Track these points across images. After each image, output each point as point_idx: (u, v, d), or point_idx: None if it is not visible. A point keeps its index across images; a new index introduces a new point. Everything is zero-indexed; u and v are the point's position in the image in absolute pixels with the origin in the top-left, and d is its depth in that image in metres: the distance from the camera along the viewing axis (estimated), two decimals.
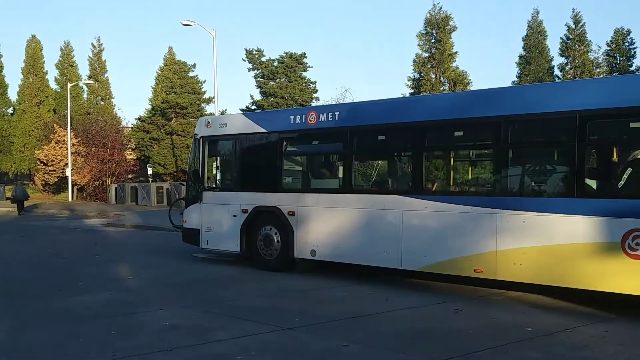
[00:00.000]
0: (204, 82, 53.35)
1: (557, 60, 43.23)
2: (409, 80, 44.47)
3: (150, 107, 56.33)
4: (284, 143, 12.02)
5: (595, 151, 8.78)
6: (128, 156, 50.97)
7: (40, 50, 59.02)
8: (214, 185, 13.30)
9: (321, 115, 11.34)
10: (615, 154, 8.70)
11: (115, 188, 40.97)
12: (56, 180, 48.22)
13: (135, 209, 33.19)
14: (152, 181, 45.53)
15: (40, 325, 7.71)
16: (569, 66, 42.52)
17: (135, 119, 54.62)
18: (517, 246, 8.71)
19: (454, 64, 42.55)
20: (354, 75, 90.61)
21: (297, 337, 7.17)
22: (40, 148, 48.09)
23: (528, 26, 43.68)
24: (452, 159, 10.60)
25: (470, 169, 10.89)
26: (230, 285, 10.64)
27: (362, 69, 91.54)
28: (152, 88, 59.97)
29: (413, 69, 43.98)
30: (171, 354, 6.40)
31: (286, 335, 7.24)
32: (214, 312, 8.37)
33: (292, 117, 11.98)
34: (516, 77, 43.91)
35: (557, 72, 43.09)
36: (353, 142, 10.99)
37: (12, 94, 60.26)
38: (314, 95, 47.45)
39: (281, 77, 47.26)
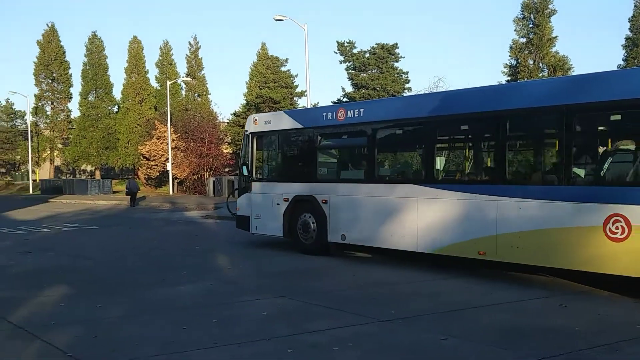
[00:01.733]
0: (296, 76, 54.08)
1: None
2: (505, 67, 43.14)
3: (244, 102, 57.74)
4: (318, 137, 13.21)
5: (579, 142, 9.47)
6: (224, 150, 52.46)
7: (142, 50, 61.80)
8: (260, 177, 14.53)
9: (348, 112, 12.45)
10: (597, 144, 9.49)
11: (213, 181, 42.27)
12: (158, 174, 50.28)
13: (231, 201, 34.08)
14: None
15: (146, 313, 8.06)
16: None
17: (231, 114, 56.11)
18: (514, 230, 9.52)
19: (553, 49, 40.85)
20: (447, 64, 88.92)
21: (394, 329, 7.10)
22: (143, 144, 50.32)
23: (635, 6, 41.15)
24: (457, 152, 11.83)
25: (473, 160, 11.50)
26: (325, 277, 10.71)
27: (456, 58, 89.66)
28: (247, 83, 61.51)
29: (510, 56, 42.61)
30: (269, 343, 6.51)
31: (383, 327, 7.19)
32: (309, 303, 8.45)
33: (324, 114, 13.04)
34: (622, 60, 41.52)
35: None
36: (375, 136, 11.96)
37: (117, 93, 63.61)
38: (406, 85, 46.90)
39: (373, 68, 47.04)
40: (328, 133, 13.19)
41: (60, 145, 66.45)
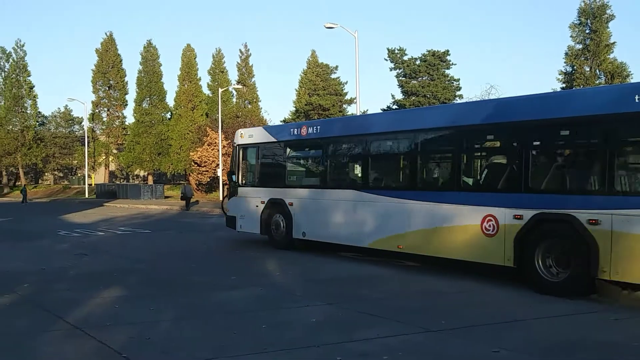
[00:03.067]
0: (346, 83, 54.26)
1: None
2: (560, 74, 42.23)
3: (294, 109, 58.16)
4: (287, 149, 15.48)
5: (466, 157, 11.73)
6: None
7: (194, 58, 63.12)
8: (244, 183, 16.70)
9: (309, 128, 14.84)
10: (478, 159, 11.85)
11: None
12: (208, 179, 51.08)
13: None
14: None
15: (198, 317, 8.18)
16: None
17: (280, 121, 56.58)
18: (420, 228, 11.62)
19: (611, 56, 39.70)
20: (500, 71, 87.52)
21: (444, 339, 7.00)
22: (195, 150, 51.22)
23: None
24: (381, 163, 13.77)
25: (392, 170, 13.55)
26: (373, 285, 10.66)
27: (509, 64, 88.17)
28: (296, 90, 62.01)
29: (565, 62, 41.69)
30: (319, 350, 6.51)
31: (433, 337, 7.10)
32: (358, 311, 8.41)
33: (292, 129, 15.54)
34: None
35: None
36: (326, 149, 14.30)
37: (170, 100, 65.00)
38: (457, 92, 46.39)
39: (423, 75, 46.74)
40: (294, 146, 15.48)
41: (115, 151, 68.38)
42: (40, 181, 74.70)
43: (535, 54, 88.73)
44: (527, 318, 8.04)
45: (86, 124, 65.38)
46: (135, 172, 73.05)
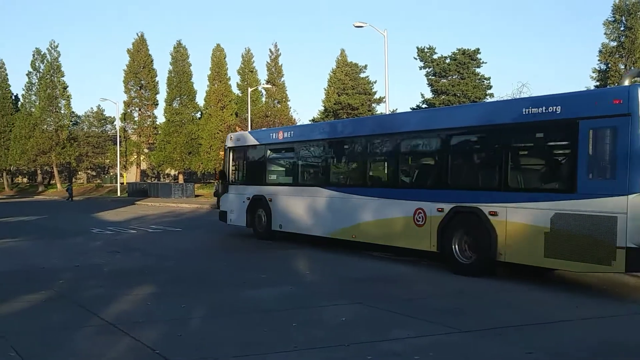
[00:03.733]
0: (375, 82, 54.06)
1: None
2: (593, 72, 41.46)
3: (323, 108, 58.17)
4: (268, 151, 17.63)
5: (403, 159, 13.61)
6: None
7: (224, 58, 63.50)
8: (234, 181, 18.74)
9: (285, 133, 17.13)
10: (412, 161, 13.66)
11: None
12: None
13: None
14: None
15: (228, 314, 8.25)
16: None
17: (310, 120, 56.66)
18: (367, 220, 13.52)
19: None
20: (531, 69, 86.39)
21: (477, 340, 6.93)
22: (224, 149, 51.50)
23: None
24: (339, 162, 15.70)
25: (346, 169, 15.58)
26: (403, 284, 10.61)
27: (540, 62, 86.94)
28: (325, 90, 61.94)
29: (599, 60, 40.98)
30: (349, 349, 6.50)
31: (465, 338, 7.03)
32: (388, 310, 8.38)
33: (271, 134, 18.09)
34: None
35: None
36: (296, 151, 16.38)
37: (200, 100, 65.58)
38: (488, 91, 45.90)
39: (453, 74, 46.33)
40: (273, 148, 17.53)
41: (146, 150, 69.25)
42: (73, 180, 75.96)
43: (568, 52, 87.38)
44: (564, 319, 7.92)
45: (118, 123, 66.38)
46: (166, 171, 73.89)
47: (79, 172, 78.51)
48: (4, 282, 10.53)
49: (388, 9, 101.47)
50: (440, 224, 11.63)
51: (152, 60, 67.36)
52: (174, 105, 64.44)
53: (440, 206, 11.68)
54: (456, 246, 11.38)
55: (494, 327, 7.43)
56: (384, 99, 40.00)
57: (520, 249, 10.20)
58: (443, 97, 45.85)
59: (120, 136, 64.05)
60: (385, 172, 14.13)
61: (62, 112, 69.50)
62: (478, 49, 46.05)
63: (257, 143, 17.98)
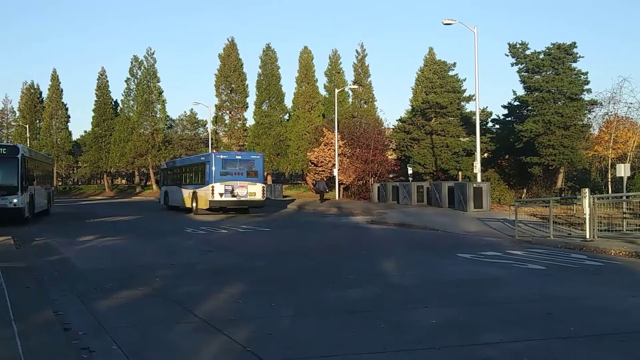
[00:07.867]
0: (464, 80, 52.88)
1: None
2: None
3: (410, 107, 57.58)
4: (168, 171, 41.27)
5: (191, 172, 35.89)
6: (389, 156, 52.67)
7: (312, 60, 64.24)
8: (164, 184, 41.37)
9: (167, 164, 43.76)
10: (180, 177, 38.96)
11: (378, 187, 42.66)
12: (325, 179, 51.87)
13: (396, 207, 34.20)
14: (412, 180, 46.47)
15: (317, 314, 8.31)
16: None
17: (396, 120, 56.40)
18: (184, 197, 35.67)
19: None
20: (634, 62, 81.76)
21: (574, 347, 6.62)
22: (311, 150, 52.15)
23: None
24: (179, 175, 38.15)
25: (186, 178, 36.29)
26: (496, 288, 10.30)
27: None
28: (412, 89, 61.39)
29: None
30: (440, 352, 6.39)
31: (561, 344, 6.74)
32: (479, 314, 8.18)
33: (166, 164, 43.91)
34: None
35: None
36: (171, 171, 40.62)
37: (288, 102, 66.60)
38: (585, 87, 43.80)
39: (548, 69, 44.49)
40: (169, 169, 41.44)
41: None
42: None
43: None
44: None
45: (210, 126, 68.58)
46: None
47: None
48: (107, 278, 11.11)
49: (478, 5, 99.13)
50: (191, 196, 33.54)
51: (242, 64, 69.14)
52: (263, 107, 65.82)
53: (192, 190, 33.19)
54: (194, 204, 33.19)
55: (593, 334, 7.07)
56: (473, 97, 39.09)
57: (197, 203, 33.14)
58: (536, 94, 44.17)
59: (212, 139, 66.14)
60: (193, 178, 34.48)
61: (158, 116, 72.71)
62: (574, 43, 44.02)
63: (166, 167, 43.23)
